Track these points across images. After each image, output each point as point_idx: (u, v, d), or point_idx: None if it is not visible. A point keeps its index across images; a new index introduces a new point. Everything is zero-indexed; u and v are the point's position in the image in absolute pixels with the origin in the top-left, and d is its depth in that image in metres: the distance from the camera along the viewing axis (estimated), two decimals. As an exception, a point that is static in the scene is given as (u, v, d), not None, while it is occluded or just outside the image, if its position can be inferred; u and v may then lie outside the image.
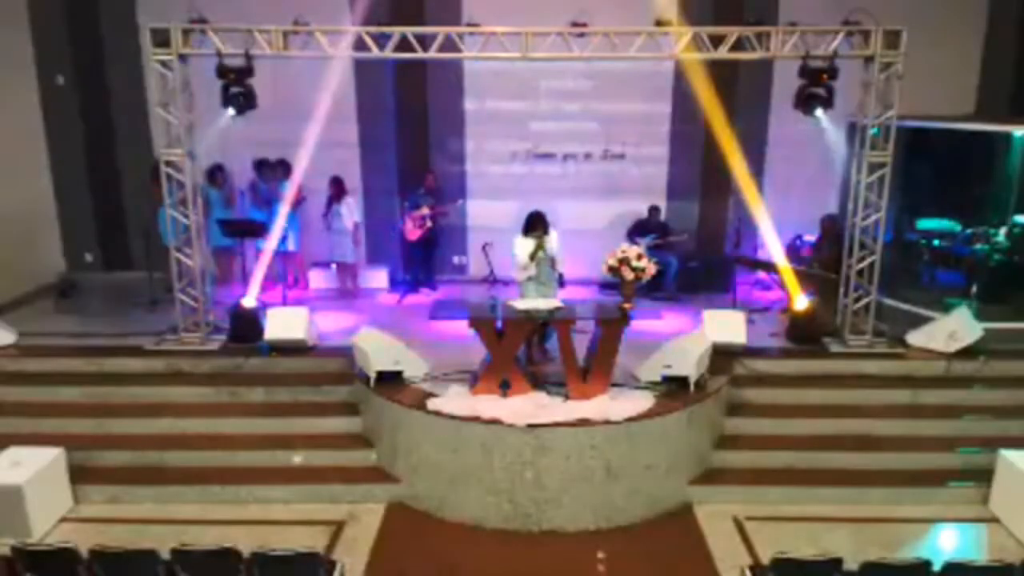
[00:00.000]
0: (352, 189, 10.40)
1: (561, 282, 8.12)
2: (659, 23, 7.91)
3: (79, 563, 5.08)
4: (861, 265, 8.57)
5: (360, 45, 8.09)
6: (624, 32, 8.02)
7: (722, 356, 7.87)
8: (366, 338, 7.69)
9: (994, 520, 6.87)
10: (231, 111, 8.13)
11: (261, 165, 10.28)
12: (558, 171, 10.83)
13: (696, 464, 7.32)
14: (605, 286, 10.00)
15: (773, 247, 8.96)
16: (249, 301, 8.77)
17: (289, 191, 9.82)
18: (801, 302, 8.74)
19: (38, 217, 10.81)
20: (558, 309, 7.31)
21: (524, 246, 7.90)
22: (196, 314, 8.62)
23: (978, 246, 9.47)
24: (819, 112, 8.17)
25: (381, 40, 8.05)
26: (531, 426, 6.71)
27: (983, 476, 7.05)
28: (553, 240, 7.97)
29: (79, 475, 7.08)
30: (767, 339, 8.82)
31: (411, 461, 7.15)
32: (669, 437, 7.04)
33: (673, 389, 7.31)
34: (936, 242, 9.79)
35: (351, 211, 10.16)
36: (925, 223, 9.94)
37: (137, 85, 10.20)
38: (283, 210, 9.79)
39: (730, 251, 10.73)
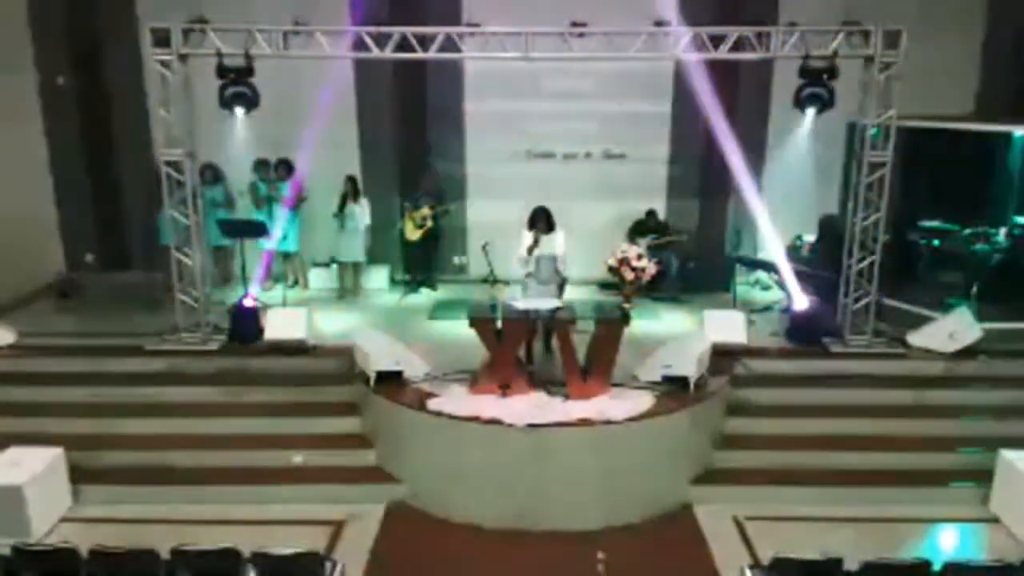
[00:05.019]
0: (352, 189, 10.41)
1: (562, 285, 8.11)
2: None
3: (79, 563, 5.08)
4: (861, 265, 8.57)
5: (360, 45, 8.09)
6: (624, 32, 8.02)
7: (722, 356, 7.88)
8: (366, 338, 7.70)
9: (994, 520, 6.87)
10: (239, 111, 8.16)
11: (261, 165, 10.28)
12: (558, 171, 10.82)
13: (696, 464, 7.32)
14: (605, 286, 10.01)
15: (773, 247, 8.96)
16: (249, 301, 8.77)
17: (289, 191, 9.83)
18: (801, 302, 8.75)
19: (38, 217, 10.79)
20: (558, 309, 7.31)
21: (524, 239, 7.95)
22: (196, 314, 8.62)
23: (978, 246, 9.47)
24: (810, 112, 8.19)
25: (381, 40, 8.05)
26: (531, 426, 6.71)
27: (983, 476, 7.05)
28: (559, 240, 7.98)
29: (79, 475, 7.07)
30: (767, 339, 8.82)
31: (411, 461, 7.15)
32: (669, 437, 7.04)
33: (673, 389, 7.31)
34: (936, 242, 9.80)
35: (365, 211, 10.12)
36: (925, 223, 9.94)
37: (137, 85, 10.20)
38: (283, 210, 9.81)
39: (730, 251, 10.74)
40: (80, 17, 10.49)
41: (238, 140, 9.15)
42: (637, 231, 10.37)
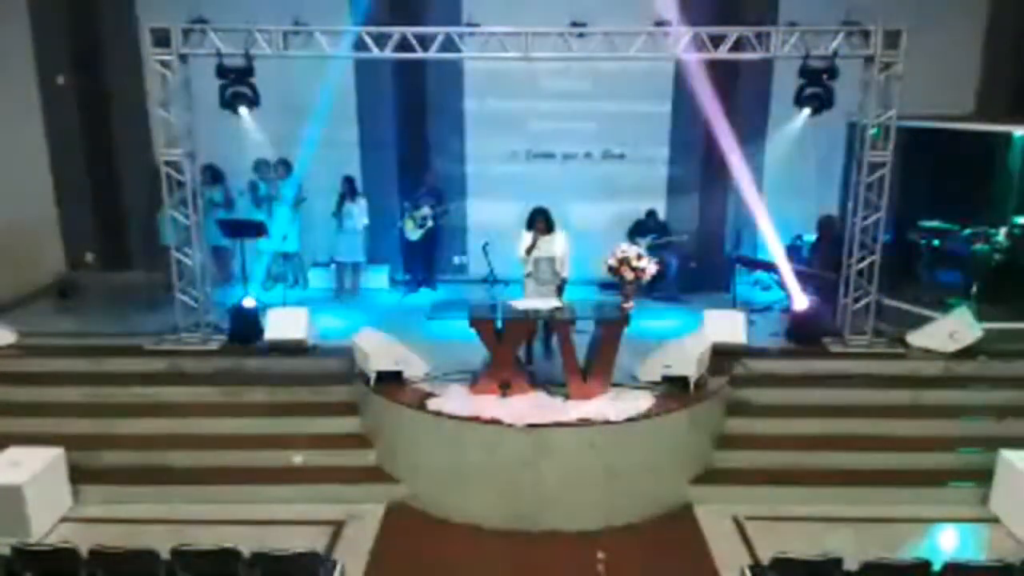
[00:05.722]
0: (353, 189, 10.41)
1: (560, 288, 8.10)
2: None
3: (79, 563, 5.08)
4: (861, 265, 8.57)
5: (360, 45, 8.09)
6: (624, 32, 8.01)
7: (722, 356, 7.87)
8: (366, 338, 7.69)
9: (994, 520, 6.87)
10: (244, 110, 8.20)
11: (261, 165, 10.27)
12: (558, 171, 10.81)
13: (696, 464, 7.32)
14: (605, 286, 9.99)
15: (773, 247, 8.96)
16: (249, 301, 8.77)
17: (289, 191, 9.83)
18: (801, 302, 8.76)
19: (38, 217, 10.79)
20: (558, 309, 7.31)
21: (523, 240, 7.95)
22: (196, 314, 8.62)
23: (978, 246, 9.47)
24: (804, 111, 8.22)
25: (381, 40, 8.05)
26: (531, 426, 6.71)
27: (983, 476, 7.05)
28: (559, 241, 7.98)
29: (79, 475, 7.08)
30: (767, 339, 8.81)
31: (411, 461, 7.15)
32: (669, 437, 7.05)
33: (673, 389, 7.31)
34: (936, 242, 9.79)
35: (363, 211, 10.13)
36: (925, 223, 9.94)
37: (137, 85, 10.20)
38: (283, 210, 9.82)
39: (730, 251, 10.73)
40: (80, 17, 10.50)
41: (238, 140, 9.15)
42: (637, 231, 10.36)
